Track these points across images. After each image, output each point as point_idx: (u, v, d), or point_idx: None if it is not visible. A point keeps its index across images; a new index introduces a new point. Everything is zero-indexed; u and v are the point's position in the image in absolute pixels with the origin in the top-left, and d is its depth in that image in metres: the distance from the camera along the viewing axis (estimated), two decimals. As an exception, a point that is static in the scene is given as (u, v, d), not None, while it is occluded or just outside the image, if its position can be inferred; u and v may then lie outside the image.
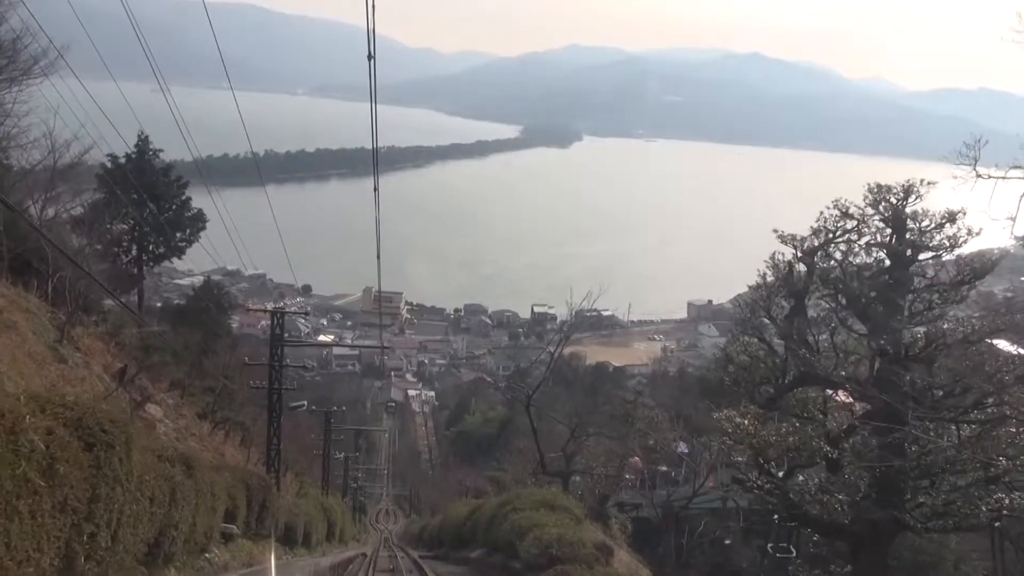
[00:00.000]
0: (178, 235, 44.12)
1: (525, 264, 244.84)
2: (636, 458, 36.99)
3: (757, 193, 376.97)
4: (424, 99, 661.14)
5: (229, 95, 17.10)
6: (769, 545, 28.47)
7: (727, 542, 32.73)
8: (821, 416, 21.38)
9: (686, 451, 37.78)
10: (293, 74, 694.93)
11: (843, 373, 21.10)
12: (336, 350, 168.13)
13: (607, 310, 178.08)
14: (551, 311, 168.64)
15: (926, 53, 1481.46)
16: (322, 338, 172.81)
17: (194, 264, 54.35)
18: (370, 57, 9.59)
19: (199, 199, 44.61)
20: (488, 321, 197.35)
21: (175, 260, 46.02)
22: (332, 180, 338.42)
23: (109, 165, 39.27)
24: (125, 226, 41.34)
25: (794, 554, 27.48)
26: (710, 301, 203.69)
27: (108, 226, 37.57)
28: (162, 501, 9.40)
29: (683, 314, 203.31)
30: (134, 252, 43.09)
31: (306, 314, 28.88)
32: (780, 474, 21.84)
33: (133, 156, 41.88)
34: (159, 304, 63.62)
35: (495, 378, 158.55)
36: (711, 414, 26.30)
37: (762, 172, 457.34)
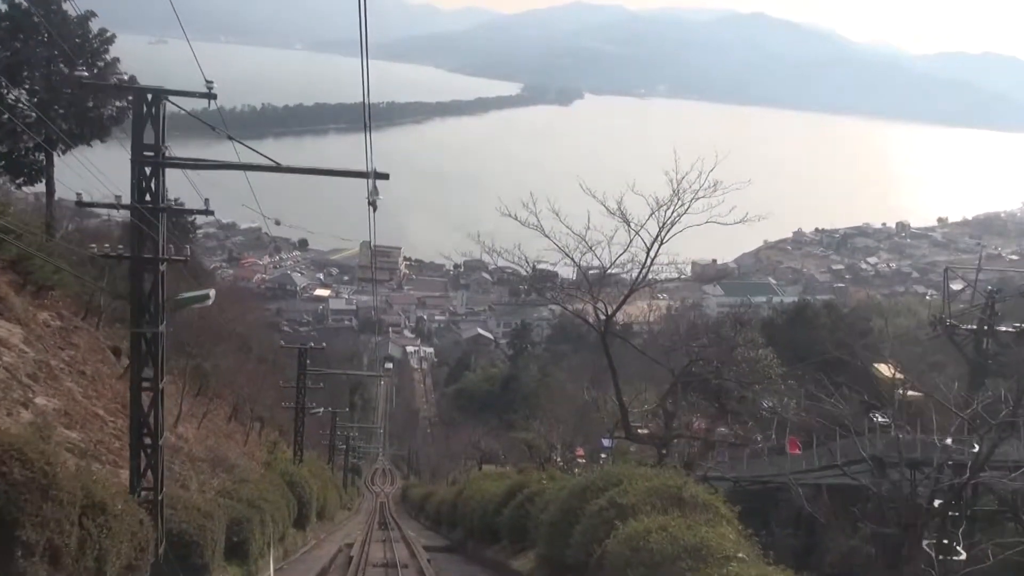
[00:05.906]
0: (102, 110, 32.13)
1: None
2: (696, 420, 30.79)
3: (757, 154, 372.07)
4: (424, 55, 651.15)
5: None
6: (927, 544, 19.44)
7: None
8: None
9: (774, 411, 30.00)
10: (291, 29, 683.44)
11: None
12: (333, 304, 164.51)
13: (610, 268, 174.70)
14: (553, 268, 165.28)
15: (931, 16, 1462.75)
16: (319, 292, 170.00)
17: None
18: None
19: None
20: (488, 278, 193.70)
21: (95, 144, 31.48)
22: (330, 134, 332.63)
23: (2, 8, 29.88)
24: (26, 94, 30.24)
25: (963, 556, 20.26)
26: (714, 260, 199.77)
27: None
28: None
29: (687, 273, 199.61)
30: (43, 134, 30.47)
31: (210, 96, 10.04)
32: None
33: None
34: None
35: (495, 335, 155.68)
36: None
37: (762, 133, 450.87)
